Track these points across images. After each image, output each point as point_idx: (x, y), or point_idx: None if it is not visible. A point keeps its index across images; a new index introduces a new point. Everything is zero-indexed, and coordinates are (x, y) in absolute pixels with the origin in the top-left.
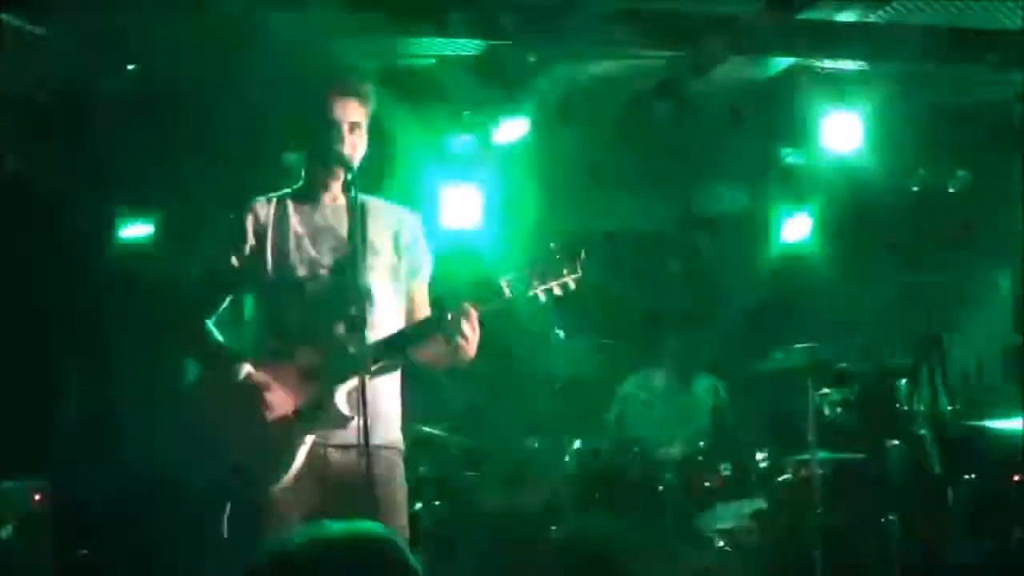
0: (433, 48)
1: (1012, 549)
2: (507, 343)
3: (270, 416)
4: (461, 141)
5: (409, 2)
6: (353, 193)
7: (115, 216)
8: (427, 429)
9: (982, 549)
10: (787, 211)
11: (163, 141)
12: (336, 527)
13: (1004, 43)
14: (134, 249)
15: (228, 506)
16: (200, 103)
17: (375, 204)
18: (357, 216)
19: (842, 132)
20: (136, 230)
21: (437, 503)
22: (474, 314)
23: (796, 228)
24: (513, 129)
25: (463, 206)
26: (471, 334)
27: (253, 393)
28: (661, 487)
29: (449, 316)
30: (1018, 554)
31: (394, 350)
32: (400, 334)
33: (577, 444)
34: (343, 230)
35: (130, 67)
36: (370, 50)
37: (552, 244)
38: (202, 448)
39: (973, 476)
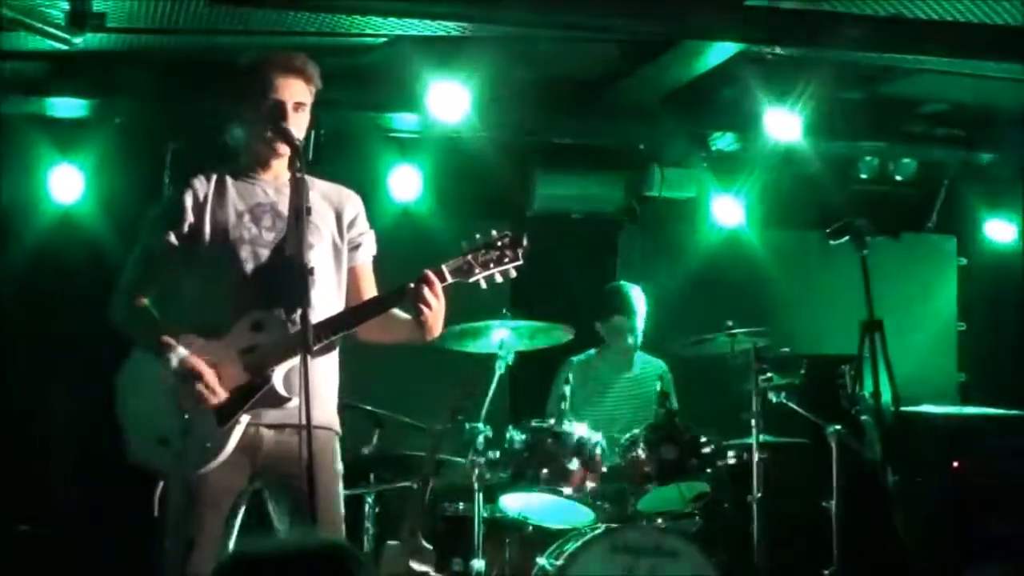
0: (384, 27)
1: (949, 534)
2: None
3: (205, 395)
4: (406, 119)
5: None
6: (298, 168)
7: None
8: (368, 408)
9: (920, 534)
10: (727, 196)
11: None
12: (296, 539)
13: (949, 34)
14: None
15: (160, 485)
16: None
17: (317, 183)
18: (301, 193)
19: (782, 118)
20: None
21: (380, 483)
22: (438, 284)
23: (734, 213)
24: (455, 109)
25: (410, 185)
26: (437, 305)
27: (189, 372)
28: (605, 468)
29: (412, 287)
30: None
31: (343, 328)
32: (352, 310)
33: (520, 425)
34: (283, 207)
35: None
36: (317, 29)
37: (494, 231)
38: (136, 426)
39: (913, 461)
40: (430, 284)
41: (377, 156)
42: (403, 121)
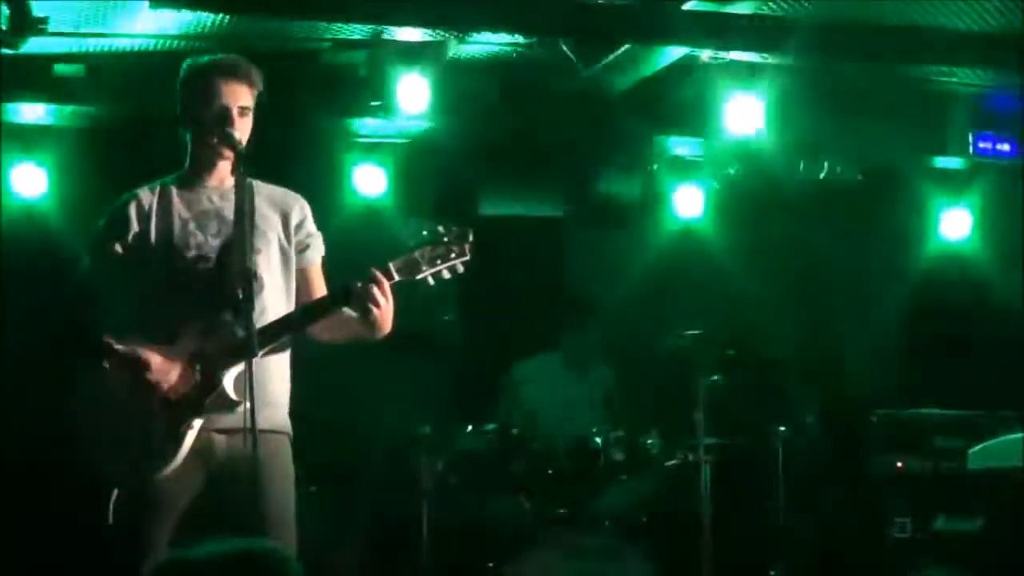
0: (329, 32)
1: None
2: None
3: (156, 403)
4: (367, 122)
5: None
6: (242, 173)
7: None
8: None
9: (867, 532)
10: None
11: None
12: (232, 543)
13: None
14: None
15: (114, 493)
16: None
17: (262, 187)
18: (245, 198)
19: (743, 116)
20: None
21: (325, 487)
22: (386, 283)
23: (689, 209)
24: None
25: (371, 183)
26: (385, 303)
27: (139, 380)
28: (552, 471)
29: (359, 286)
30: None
31: (292, 329)
32: (302, 311)
33: (469, 428)
34: (229, 213)
35: None
36: (264, 33)
37: (440, 227)
38: (87, 436)
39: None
40: (378, 284)
41: (342, 155)
42: (368, 125)
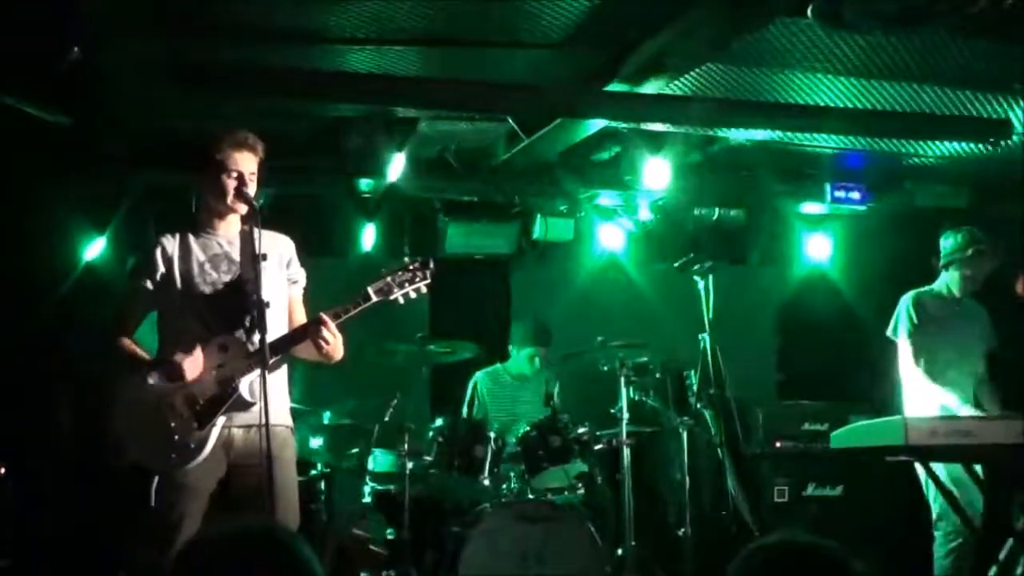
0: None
1: (775, 499)
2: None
3: (187, 406)
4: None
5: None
6: (256, 225)
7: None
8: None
9: (751, 498)
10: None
11: None
12: (249, 522)
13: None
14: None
15: (155, 480)
16: None
17: (263, 232)
18: (258, 243)
19: (655, 175)
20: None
21: (327, 471)
22: (330, 323)
23: (612, 239)
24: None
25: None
26: (332, 339)
27: (173, 389)
28: (505, 455)
29: (310, 328)
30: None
31: (283, 347)
32: (280, 340)
33: (439, 422)
34: (236, 255)
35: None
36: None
37: (406, 258)
38: (132, 435)
39: (744, 441)
40: (324, 325)
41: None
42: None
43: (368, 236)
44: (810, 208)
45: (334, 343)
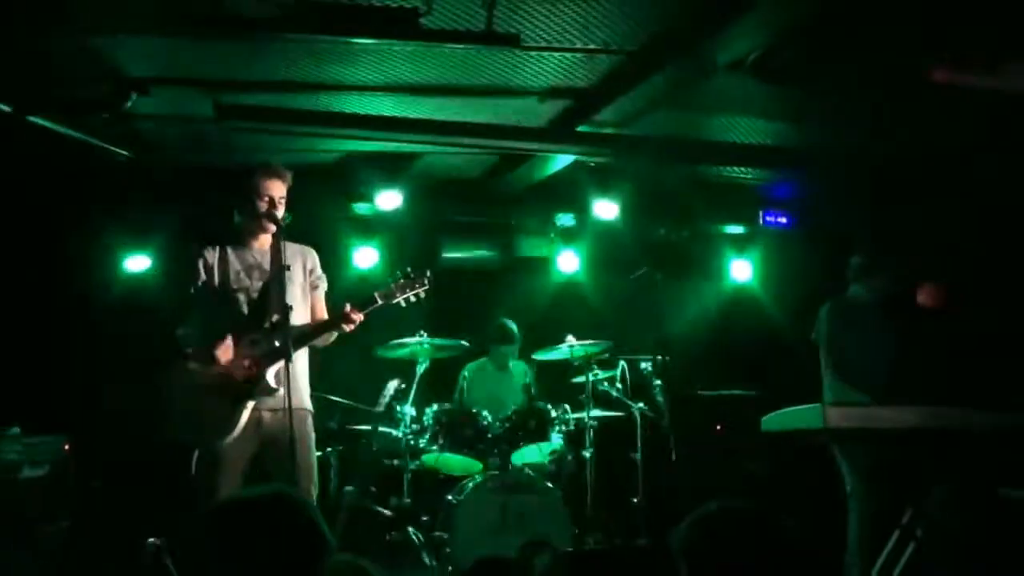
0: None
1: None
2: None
3: (221, 391)
4: (363, 206)
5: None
6: (282, 240)
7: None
8: (330, 397)
9: (696, 474)
10: (567, 252)
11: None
12: (267, 487)
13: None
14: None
15: (195, 454)
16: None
17: (290, 245)
18: (282, 255)
19: (606, 206)
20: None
21: (340, 447)
22: (358, 314)
23: (572, 264)
24: (391, 201)
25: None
26: (354, 326)
27: (211, 376)
28: (490, 435)
29: (345, 313)
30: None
31: (305, 339)
32: (311, 328)
33: (434, 407)
34: (266, 265)
35: None
36: (296, 148)
37: (408, 268)
38: (176, 412)
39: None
40: (353, 311)
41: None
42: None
43: (370, 255)
44: (737, 229)
45: (355, 327)
